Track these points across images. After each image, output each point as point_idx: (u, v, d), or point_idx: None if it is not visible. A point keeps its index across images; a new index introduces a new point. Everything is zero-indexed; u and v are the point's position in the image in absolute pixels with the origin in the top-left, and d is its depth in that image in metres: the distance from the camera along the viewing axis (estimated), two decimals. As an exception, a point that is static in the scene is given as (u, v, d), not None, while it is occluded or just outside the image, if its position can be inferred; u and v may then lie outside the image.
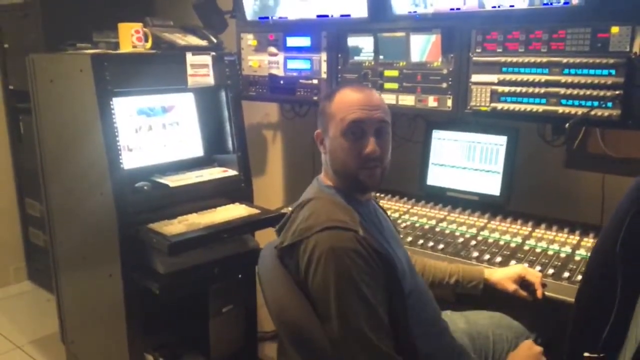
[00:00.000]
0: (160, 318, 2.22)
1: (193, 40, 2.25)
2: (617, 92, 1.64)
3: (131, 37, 2.16)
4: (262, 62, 2.56)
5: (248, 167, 2.37)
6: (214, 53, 2.23)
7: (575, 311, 1.08)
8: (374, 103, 1.37)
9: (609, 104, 1.66)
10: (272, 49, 2.51)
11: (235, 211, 2.18)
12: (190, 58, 2.15)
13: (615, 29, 1.63)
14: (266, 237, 2.30)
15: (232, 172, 2.32)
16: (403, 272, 1.40)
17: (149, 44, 2.18)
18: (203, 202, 2.18)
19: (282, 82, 2.51)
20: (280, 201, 3.23)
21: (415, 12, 1.95)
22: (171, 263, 1.94)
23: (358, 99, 1.36)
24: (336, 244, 1.25)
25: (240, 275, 2.32)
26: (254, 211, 2.18)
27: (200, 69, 2.16)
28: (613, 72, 1.64)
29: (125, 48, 2.16)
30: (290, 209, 2.10)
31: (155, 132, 2.22)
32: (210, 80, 2.22)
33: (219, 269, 2.12)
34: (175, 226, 1.97)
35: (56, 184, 2.33)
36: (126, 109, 2.13)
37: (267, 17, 2.40)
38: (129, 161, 2.10)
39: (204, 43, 2.24)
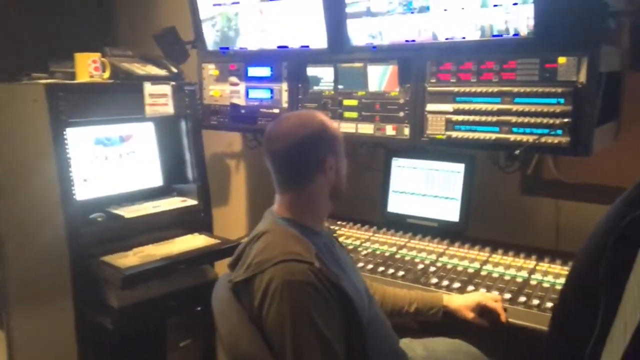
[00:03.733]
0: (114, 354, 2.13)
1: (152, 70, 2.25)
2: (565, 120, 1.69)
3: (88, 66, 2.14)
4: (223, 91, 2.57)
5: (208, 196, 2.35)
6: (173, 83, 2.23)
7: (548, 339, 1.07)
8: None
9: (559, 132, 1.71)
10: (233, 79, 2.52)
11: (193, 241, 2.15)
12: (148, 87, 2.13)
13: (562, 60, 1.69)
14: (226, 268, 2.28)
15: (191, 202, 2.29)
16: (361, 302, 1.39)
17: (106, 74, 2.16)
18: (160, 232, 2.14)
19: (243, 111, 2.51)
20: (243, 231, 3.19)
21: (372, 43, 1.99)
22: (126, 296, 1.89)
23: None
24: (291, 278, 1.24)
25: (199, 308, 2.26)
26: (213, 241, 2.15)
27: (159, 99, 2.15)
28: (561, 100, 1.70)
29: (82, 78, 2.13)
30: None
31: (112, 162, 2.19)
32: (169, 109, 2.21)
33: (176, 302, 2.07)
34: (130, 258, 1.93)
35: (7, 216, 2.25)
36: (82, 139, 2.09)
37: (228, 48, 2.42)
38: (84, 192, 2.05)
39: (163, 73, 2.24)
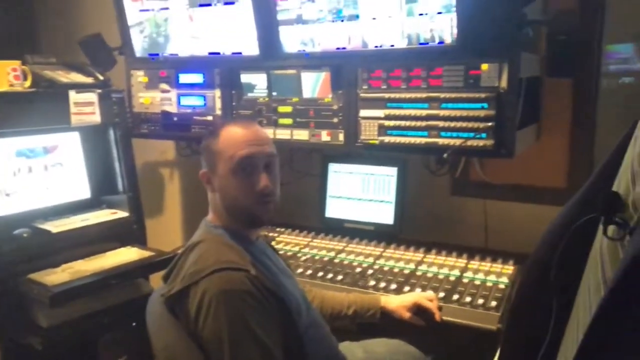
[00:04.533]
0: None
1: (77, 77, 2.16)
2: (489, 124, 1.77)
3: (7, 75, 2.03)
4: (153, 98, 2.50)
5: (140, 207, 2.28)
6: (100, 90, 2.15)
7: (503, 342, 1.09)
8: (261, 138, 1.38)
9: (483, 135, 1.79)
10: (164, 86, 2.46)
11: (126, 255, 2.08)
12: (73, 96, 2.05)
13: (485, 66, 1.77)
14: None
15: (122, 214, 2.22)
16: (298, 308, 1.39)
17: (28, 82, 2.06)
18: (90, 247, 2.06)
19: (175, 118, 2.46)
20: (179, 241, 3.13)
21: (304, 50, 2.01)
22: (55, 315, 1.80)
23: (245, 135, 1.36)
24: (227, 287, 1.22)
25: (134, 324, 2.19)
26: (147, 254, 2.09)
27: (86, 107, 2.07)
28: (485, 105, 1.78)
29: (1, 87, 2.02)
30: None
31: (36, 174, 2.08)
32: (96, 118, 2.13)
33: (109, 318, 1.99)
34: (59, 275, 1.84)
35: None
36: (2, 151, 1.98)
37: (158, 54, 2.36)
38: (6, 207, 1.94)
39: (89, 80, 2.16)
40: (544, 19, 1.81)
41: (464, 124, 1.81)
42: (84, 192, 2.25)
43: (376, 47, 1.87)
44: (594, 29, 1.93)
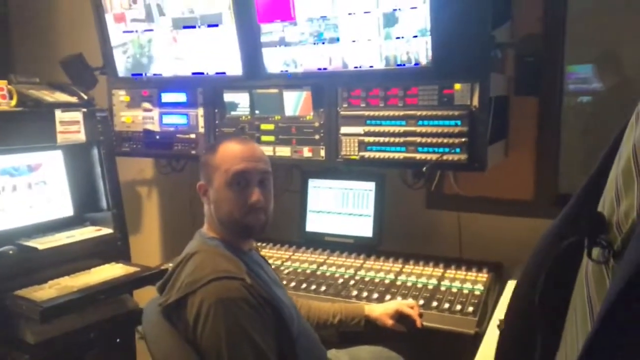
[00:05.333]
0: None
1: (62, 97, 2.19)
2: (463, 140, 1.89)
3: (-8, 94, 2.04)
4: (135, 117, 2.55)
5: (124, 224, 2.30)
6: (85, 109, 2.18)
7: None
8: (256, 155, 1.46)
9: (457, 150, 1.90)
10: (147, 105, 2.51)
11: (111, 271, 2.10)
12: (59, 115, 2.08)
13: (457, 86, 1.89)
14: (146, 296, 2.24)
15: (106, 231, 2.24)
16: (291, 317, 1.45)
17: (13, 102, 2.08)
18: (76, 263, 2.07)
19: (158, 137, 2.51)
20: (157, 258, 3.14)
21: (287, 71, 2.10)
22: (42, 331, 1.81)
23: (242, 151, 1.43)
24: (224, 295, 1.28)
25: (118, 340, 2.20)
26: (133, 269, 2.12)
27: (71, 126, 2.10)
28: (459, 122, 1.89)
29: (-14, 106, 2.03)
30: (171, 264, 2.08)
31: (21, 192, 2.09)
32: (81, 136, 2.16)
33: (95, 334, 2.00)
34: (47, 291, 1.85)
35: None
36: (-13, 170, 1.99)
37: (141, 74, 2.41)
38: (-10, 225, 1.94)
39: (74, 99, 2.19)
40: (512, 41, 1.95)
41: (440, 140, 1.92)
42: (67, 209, 2.26)
43: (356, 67, 1.98)
44: (557, 50, 2.08)
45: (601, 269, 0.63)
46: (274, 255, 2.37)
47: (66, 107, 2.12)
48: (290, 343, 1.41)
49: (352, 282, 2.07)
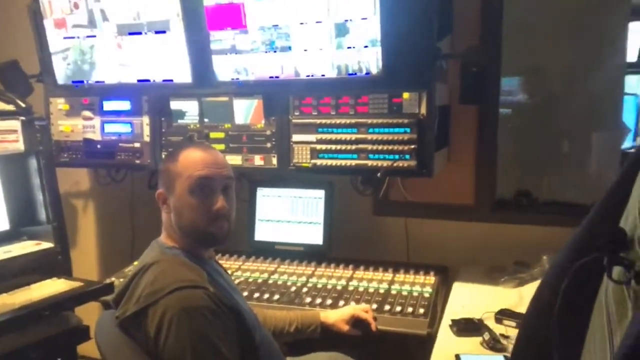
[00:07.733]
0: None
1: (-3, 104, 2.07)
2: (412, 147, 1.95)
3: None
4: (75, 126, 2.45)
5: (65, 238, 2.20)
6: (23, 118, 2.07)
7: None
8: (219, 162, 1.44)
9: (407, 157, 1.97)
10: (87, 113, 2.42)
11: (53, 286, 1.99)
12: (-5, 123, 1.97)
13: (406, 95, 1.96)
14: (87, 312, 2.15)
15: (46, 245, 2.12)
16: (253, 324, 1.44)
17: (-58, 109, 1.95)
18: (14, 280, 1.95)
19: (99, 146, 2.42)
20: (95, 273, 3.02)
21: (238, 79, 2.09)
22: (-22, 354, 1.69)
23: (204, 158, 1.41)
24: (187, 304, 1.26)
25: (59, 359, 2.09)
26: (76, 284, 2.02)
27: (9, 135, 1.99)
28: (408, 130, 1.96)
29: None
30: (117, 279, 2.01)
31: (-50, 206, 1.95)
32: (19, 146, 2.05)
33: (36, 353, 1.89)
34: (-16, 310, 1.73)
35: None
36: None
37: (82, 81, 2.33)
38: None
39: (10, 107, 2.08)
40: (458, 52, 2.05)
41: (390, 147, 1.98)
42: (2, 223, 2.13)
43: (308, 76, 2.00)
44: (495, 62, 2.21)
45: (622, 289, 0.60)
46: (223, 264, 2.30)
47: (3, 115, 2.01)
48: (253, 351, 1.40)
49: (304, 289, 2.07)
